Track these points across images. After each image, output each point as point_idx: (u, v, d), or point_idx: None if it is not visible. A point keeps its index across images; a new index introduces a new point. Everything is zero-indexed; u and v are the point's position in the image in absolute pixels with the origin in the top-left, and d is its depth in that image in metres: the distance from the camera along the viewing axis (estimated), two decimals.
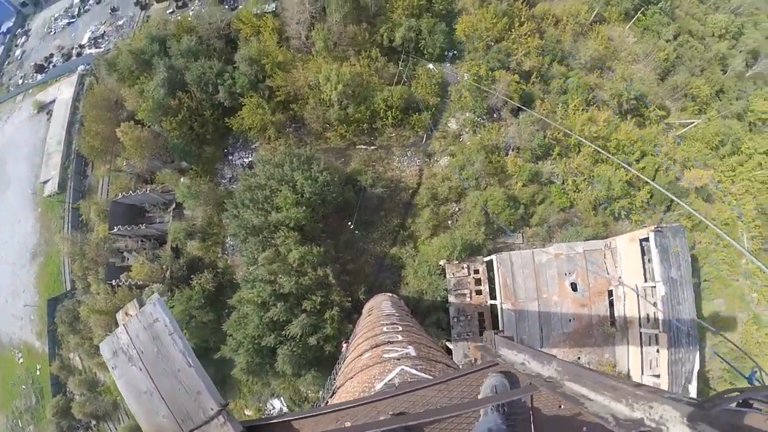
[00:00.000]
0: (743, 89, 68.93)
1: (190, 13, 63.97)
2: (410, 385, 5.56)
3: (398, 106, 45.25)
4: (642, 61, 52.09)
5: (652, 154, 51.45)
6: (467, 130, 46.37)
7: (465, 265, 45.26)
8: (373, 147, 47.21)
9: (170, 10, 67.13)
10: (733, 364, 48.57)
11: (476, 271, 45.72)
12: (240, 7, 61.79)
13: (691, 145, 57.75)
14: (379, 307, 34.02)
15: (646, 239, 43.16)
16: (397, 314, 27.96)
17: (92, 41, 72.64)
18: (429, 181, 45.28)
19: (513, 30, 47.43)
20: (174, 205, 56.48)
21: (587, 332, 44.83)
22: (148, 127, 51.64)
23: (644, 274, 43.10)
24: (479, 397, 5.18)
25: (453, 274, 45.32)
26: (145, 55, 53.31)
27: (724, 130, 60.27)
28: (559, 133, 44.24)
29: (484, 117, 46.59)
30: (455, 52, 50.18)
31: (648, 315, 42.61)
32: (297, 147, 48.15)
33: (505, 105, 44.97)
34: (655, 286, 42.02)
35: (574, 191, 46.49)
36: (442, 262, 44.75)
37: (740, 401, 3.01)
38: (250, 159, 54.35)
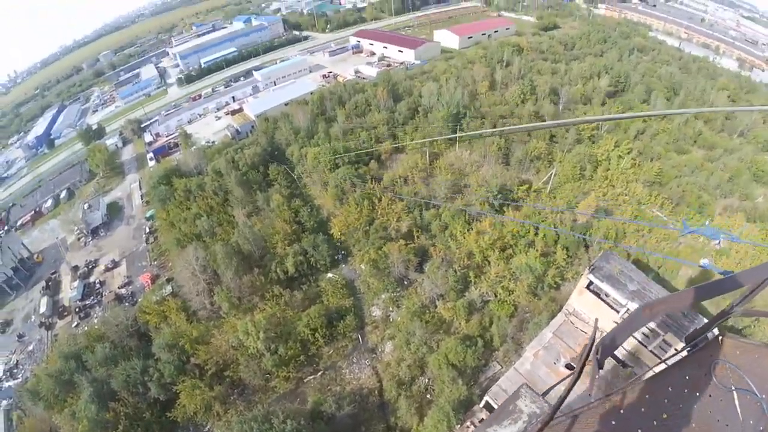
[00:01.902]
0: (566, 120, 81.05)
1: (95, 320, 62.02)
2: None
3: (322, 324, 45.38)
4: (484, 162, 59.32)
5: (542, 221, 56.15)
6: (391, 308, 47.32)
7: (468, 423, 42.42)
8: (319, 372, 45.65)
9: (75, 323, 64.93)
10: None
11: (481, 421, 42.91)
12: (140, 300, 61.28)
13: (562, 190, 64.77)
14: None
15: (591, 283, 44.54)
16: None
17: (8, 373, 66.55)
18: (387, 372, 43.98)
19: (377, 208, 51.74)
20: None
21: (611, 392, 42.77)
22: None
23: (612, 308, 43.60)
24: None
25: None
26: (65, 375, 49.31)
27: (576, 159, 69.12)
28: (464, 260, 46.44)
29: (398, 289, 48.12)
30: (343, 252, 53.24)
31: (644, 333, 42.32)
32: (249, 411, 44.62)
33: (408, 268, 46.99)
34: (627, 309, 42.39)
35: (509, 295, 47.86)
36: None
37: None
38: None
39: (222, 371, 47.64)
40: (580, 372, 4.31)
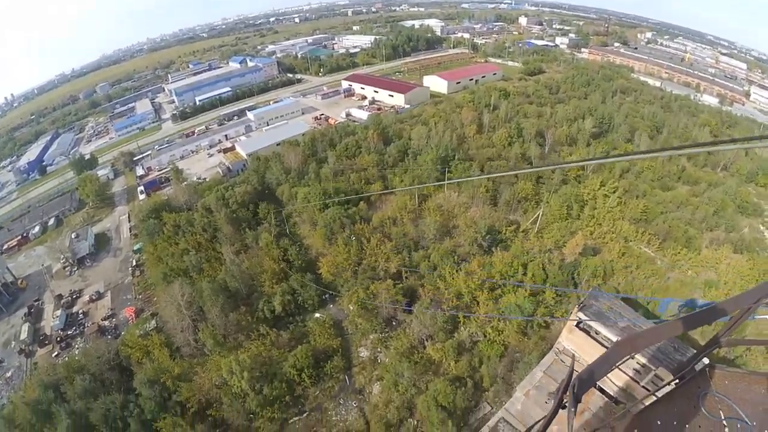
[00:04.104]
0: (551, 161, 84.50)
1: (76, 351, 60.80)
2: None
3: (308, 365, 45.37)
4: (472, 204, 61.10)
5: (530, 260, 57.30)
6: (379, 349, 47.54)
7: None
8: (305, 414, 45.01)
9: (55, 353, 63.47)
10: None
11: None
12: (123, 333, 60.49)
13: (549, 230, 66.50)
14: None
15: (580, 321, 44.98)
16: None
17: None
18: (374, 414, 43.49)
19: (365, 248, 52.80)
20: None
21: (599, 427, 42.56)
22: None
23: (603, 345, 43.77)
24: None
25: None
26: (42, 405, 47.91)
27: (562, 199, 71.34)
28: (453, 300, 46.99)
29: (386, 330, 48.49)
30: (331, 292, 53.90)
31: (635, 369, 42.29)
32: None
33: (397, 308, 47.48)
34: None
35: (498, 335, 48.23)
36: None
37: None
38: None
39: (204, 410, 46.68)
40: (557, 408, 4.35)
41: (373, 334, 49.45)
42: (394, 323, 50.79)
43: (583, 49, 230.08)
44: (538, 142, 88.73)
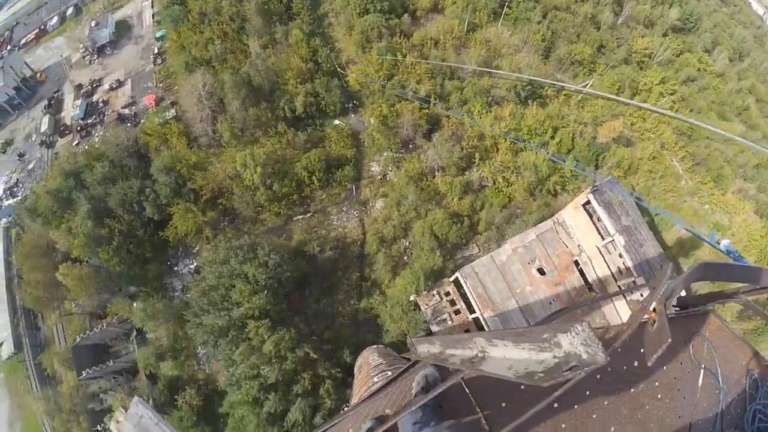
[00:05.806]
0: (620, 36, 73.89)
1: (96, 140, 62.20)
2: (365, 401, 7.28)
3: (320, 169, 45.40)
4: (523, 49, 54.65)
5: (562, 126, 53.45)
6: (390, 168, 46.99)
7: (435, 292, 44.81)
8: (309, 214, 46.86)
9: (75, 142, 65.36)
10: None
11: (447, 294, 45.31)
12: (142, 121, 60.70)
13: (594, 103, 60.82)
14: (367, 361, 33.37)
15: (588, 202, 44.23)
16: (385, 362, 27.51)
17: (8, 192, 69.25)
18: (372, 227, 45.16)
19: (400, 64, 48.60)
20: (135, 332, 53.88)
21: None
22: (87, 262, 49.30)
23: (599, 233, 43.94)
24: (412, 391, 5.84)
25: (426, 304, 44.74)
26: (63, 193, 51.28)
27: (617, 78, 64.16)
28: (473, 140, 45.01)
29: (402, 151, 47.25)
30: (355, 101, 51.42)
31: (619, 267, 43.20)
32: (237, 239, 46.88)
33: (417, 133, 45.62)
34: (613, 240, 42.79)
35: (507, 186, 47.42)
36: (412, 298, 44.15)
37: None
38: (195, 264, 52.56)
39: (216, 198, 48.83)
40: (637, 321, 3.94)
41: (388, 152, 48.62)
42: (410, 146, 49.51)
43: None
44: (614, 11, 76.33)
